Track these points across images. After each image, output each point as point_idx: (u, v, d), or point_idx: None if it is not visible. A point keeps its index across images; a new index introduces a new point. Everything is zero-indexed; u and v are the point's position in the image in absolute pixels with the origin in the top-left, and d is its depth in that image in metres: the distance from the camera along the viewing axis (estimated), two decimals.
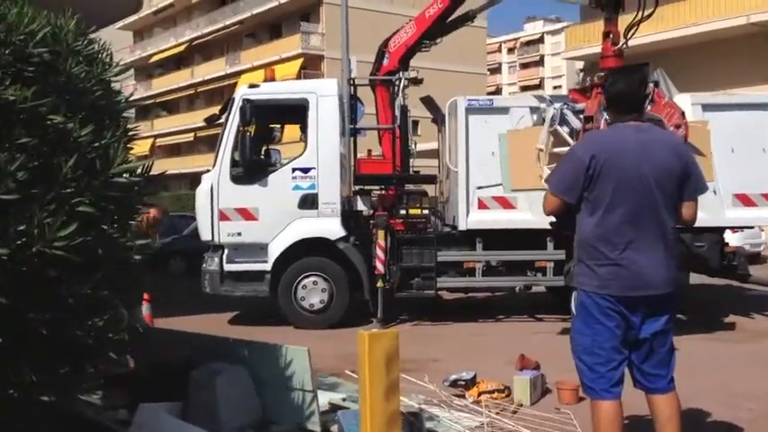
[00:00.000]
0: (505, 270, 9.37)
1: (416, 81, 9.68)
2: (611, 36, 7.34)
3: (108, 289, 3.50)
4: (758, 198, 9.13)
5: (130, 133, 3.79)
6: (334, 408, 5.08)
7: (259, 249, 9.11)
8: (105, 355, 3.55)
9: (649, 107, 6.28)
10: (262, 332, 8.55)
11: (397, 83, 9.53)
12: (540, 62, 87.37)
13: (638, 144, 3.52)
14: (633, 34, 7.34)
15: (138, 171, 3.69)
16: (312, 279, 9.11)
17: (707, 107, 9.02)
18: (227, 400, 4.74)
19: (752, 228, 13.83)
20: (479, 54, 45.98)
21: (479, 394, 5.55)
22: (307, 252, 9.11)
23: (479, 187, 8.81)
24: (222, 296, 9.34)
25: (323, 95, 9.18)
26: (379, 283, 9.04)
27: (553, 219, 3.85)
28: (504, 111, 9.09)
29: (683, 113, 6.75)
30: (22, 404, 3.29)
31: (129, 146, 3.68)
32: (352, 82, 9.61)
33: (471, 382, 5.74)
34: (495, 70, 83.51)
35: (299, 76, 37.46)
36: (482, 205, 9.09)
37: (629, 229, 3.47)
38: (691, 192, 3.59)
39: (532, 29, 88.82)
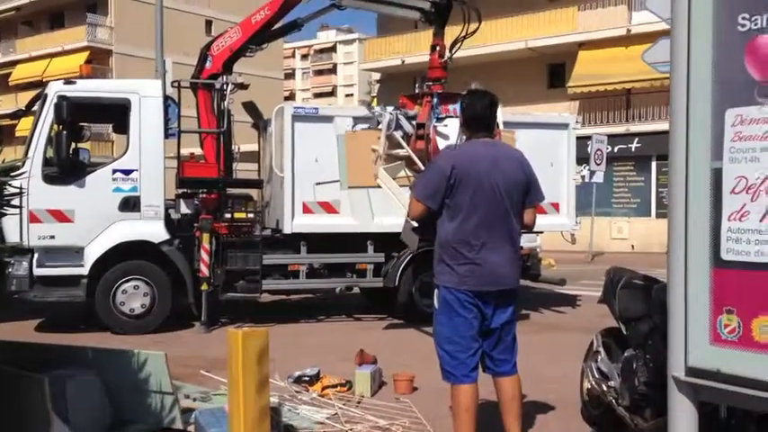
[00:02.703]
0: (328, 272, 9.70)
1: (243, 86, 9.73)
2: (437, 49, 8.00)
3: None
4: (548, 207, 10.31)
5: None
6: (186, 409, 5.12)
7: (74, 253, 8.70)
8: None
9: None
10: (80, 338, 8.20)
11: (224, 87, 9.50)
12: (333, 70, 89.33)
13: (491, 158, 4.04)
14: (458, 49, 8.06)
15: None
16: (133, 283, 8.83)
17: (507, 124, 10.03)
18: (77, 405, 4.61)
19: (540, 232, 15.37)
20: (276, 59, 46.07)
21: (323, 389, 5.85)
22: (127, 255, 8.84)
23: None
24: (22, 302, 8.73)
25: (146, 96, 8.95)
26: (204, 286, 8.99)
27: (415, 224, 4.27)
28: (328, 119, 9.41)
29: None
30: None
31: None
32: (176, 84, 9.44)
33: (315, 378, 6.03)
34: (290, 75, 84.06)
35: (83, 72, 35.17)
36: (307, 210, 9.36)
37: (484, 232, 3.97)
38: (532, 199, 4.19)
39: (326, 37, 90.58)
